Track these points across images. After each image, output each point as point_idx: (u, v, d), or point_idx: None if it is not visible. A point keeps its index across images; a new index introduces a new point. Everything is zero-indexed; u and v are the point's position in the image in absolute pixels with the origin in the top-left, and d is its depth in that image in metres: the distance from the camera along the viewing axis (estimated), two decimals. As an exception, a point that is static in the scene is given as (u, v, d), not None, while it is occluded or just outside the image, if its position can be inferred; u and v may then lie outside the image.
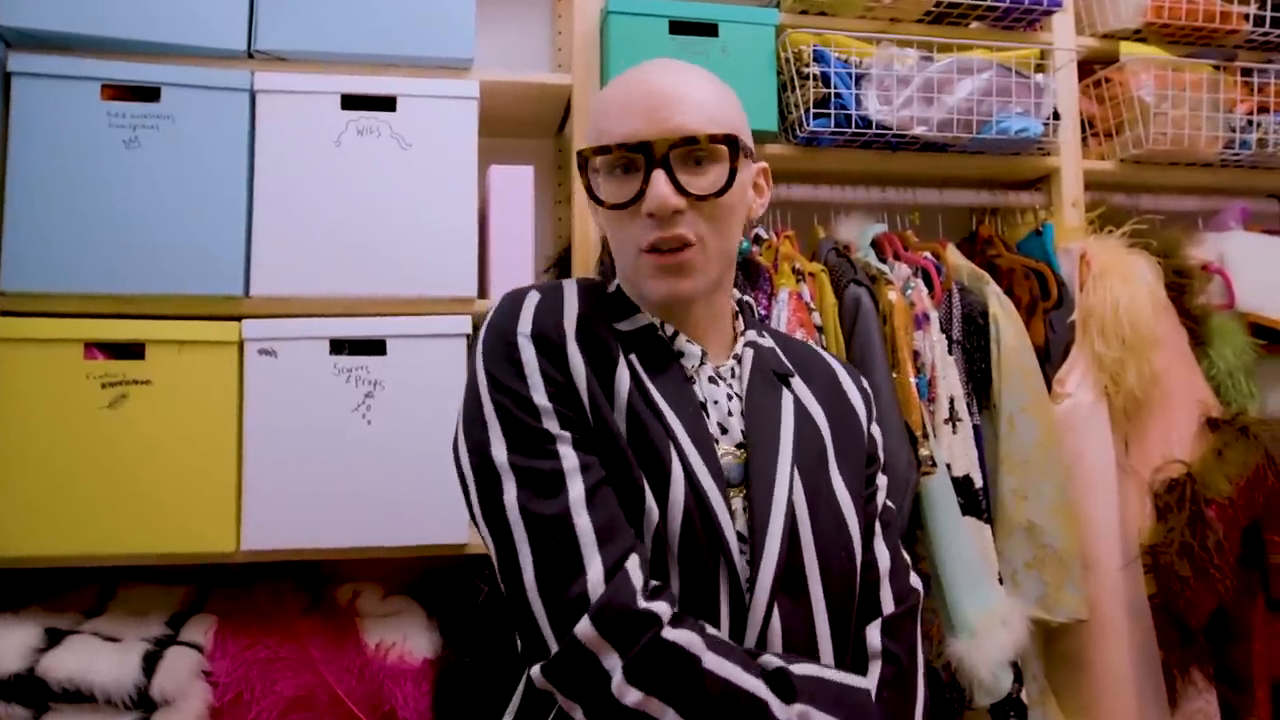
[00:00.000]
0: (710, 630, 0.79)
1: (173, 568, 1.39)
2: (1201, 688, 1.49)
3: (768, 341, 0.98)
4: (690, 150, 0.85)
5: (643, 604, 0.76)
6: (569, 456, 0.81)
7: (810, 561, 0.86)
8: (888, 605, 0.92)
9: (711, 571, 0.83)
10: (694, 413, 0.87)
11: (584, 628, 0.75)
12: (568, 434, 0.82)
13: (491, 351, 0.85)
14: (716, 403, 0.89)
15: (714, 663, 0.76)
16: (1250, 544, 1.54)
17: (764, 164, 0.96)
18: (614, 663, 0.75)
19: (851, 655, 0.89)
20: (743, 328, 0.97)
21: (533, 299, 0.88)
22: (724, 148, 0.86)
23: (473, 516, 0.84)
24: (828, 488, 0.90)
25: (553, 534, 0.78)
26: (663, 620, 0.76)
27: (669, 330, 0.91)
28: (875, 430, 1.00)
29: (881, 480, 1.00)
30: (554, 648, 0.76)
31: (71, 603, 1.34)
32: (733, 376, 0.93)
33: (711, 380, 0.91)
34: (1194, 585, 1.44)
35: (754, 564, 0.83)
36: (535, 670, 0.77)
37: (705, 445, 0.85)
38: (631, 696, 0.74)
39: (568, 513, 0.79)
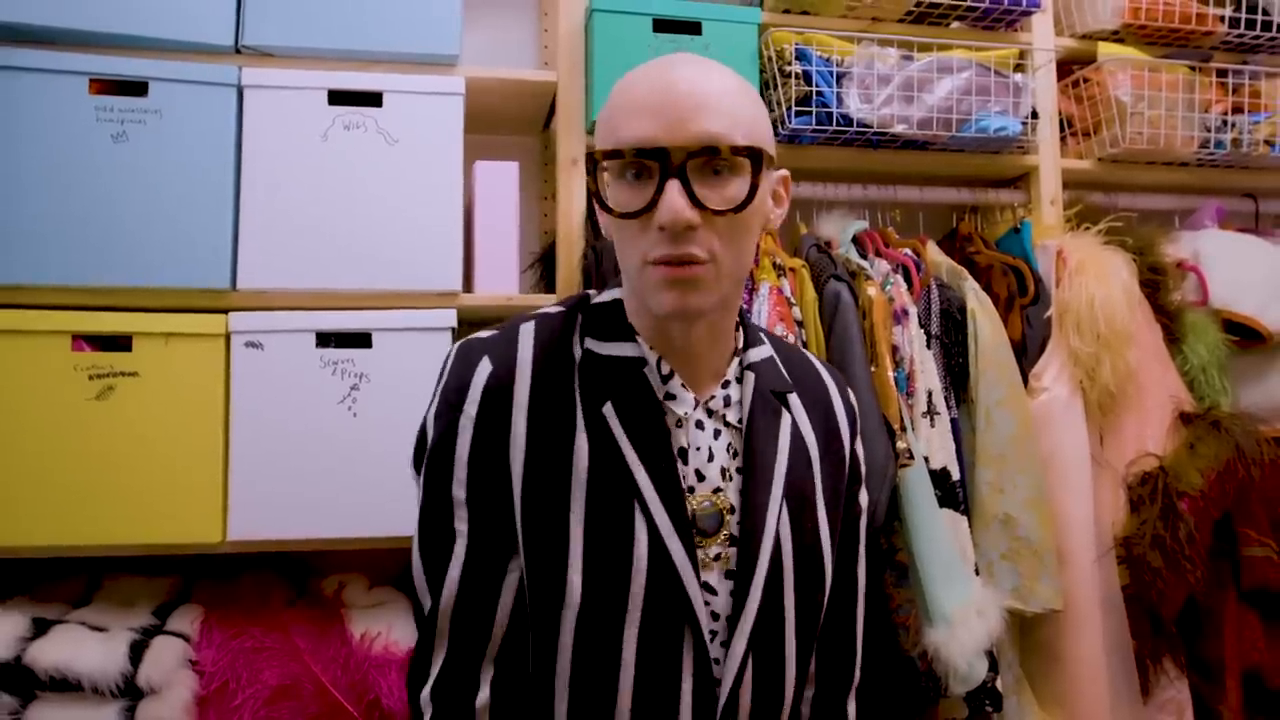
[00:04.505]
0: None
1: (158, 560, 1.40)
2: (1173, 677, 1.52)
3: (766, 351, 0.93)
4: (709, 160, 0.77)
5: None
6: (458, 554, 0.82)
7: (789, 604, 0.85)
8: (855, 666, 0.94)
9: (676, 632, 0.81)
10: (667, 466, 0.82)
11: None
12: (464, 530, 0.82)
13: (436, 420, 0.85)
14: (698, 449, 0.85)
15: None
16: (1221, 536, 1.56)
17: (785, 172, 0.88)
18: None
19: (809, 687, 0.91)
20: (742, 344, 0.91)
21: (483, 372, 0.83)
22: (746, 160, 0.78)
23: None
24: (811, 519, 0.89)
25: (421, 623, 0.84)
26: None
27: (664, 369, 0.86)
28: (859, 446, 0.97)
29: (864, 498, 0.98)
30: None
31: (58, 593, 1.35)
32: (725, 406, 0.88)
33: (699, 425, 0.86)
34: (1166, 576, 1.46)
35: (733, 619, 0.82)
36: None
37: (673, 499, 0.81)
38: None
39: (435, 607, 0.82)
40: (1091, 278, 1.55)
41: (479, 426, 0.82)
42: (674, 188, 0.76)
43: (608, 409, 0.83)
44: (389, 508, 1.36)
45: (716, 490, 0.85)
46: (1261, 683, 1.54)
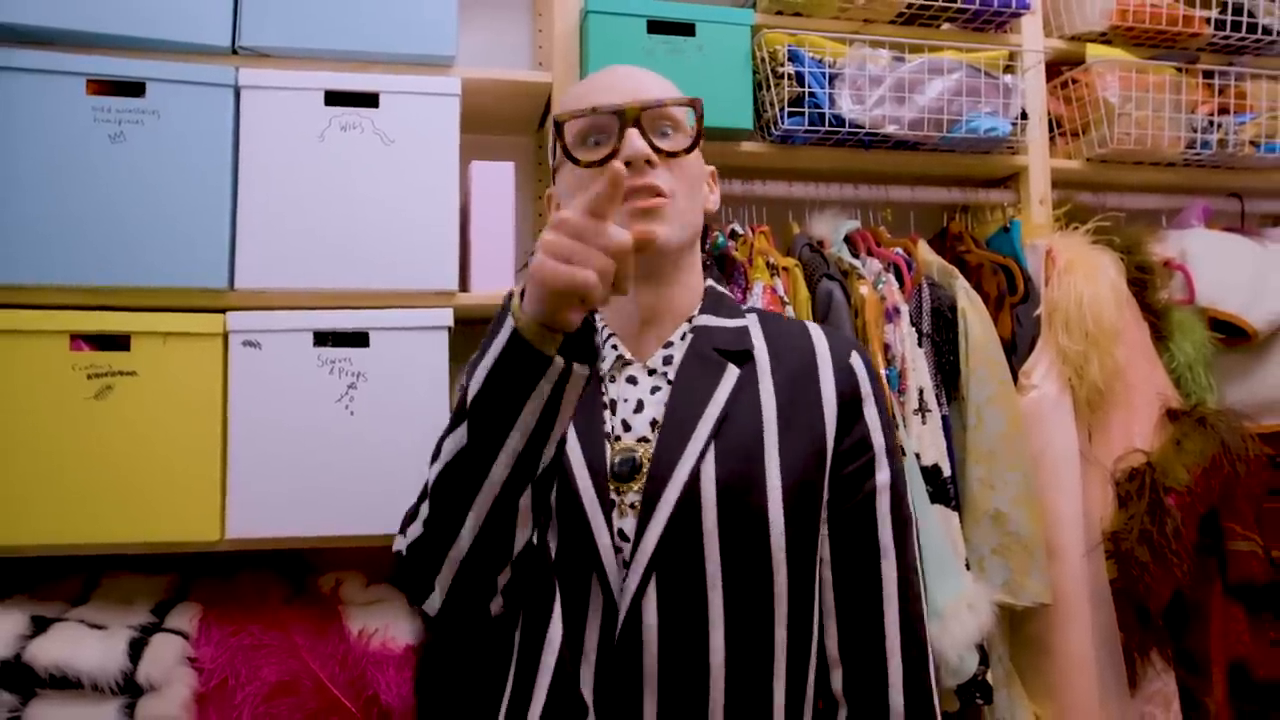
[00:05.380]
0: None
1: (155, 559, 1.41)
2: (1160, 669, 1.54)
3: (735, 322, 0.98)
4: (658, 115, 0.93)
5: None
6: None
7: (710, 554, 0.87)
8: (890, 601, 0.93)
9: (584, 567, 0.88)
10: (590, 416, 0.92)
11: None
12: None
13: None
14: (625, 400, 0.94)
15: None
16: (1207, 531, 1.59)
17: (713, 168, 1.05)
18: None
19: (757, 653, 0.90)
20: (697, 311, 0.99)
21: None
22: (686, 114, 0.95)
23: None
24: (754, 477, 0.89)
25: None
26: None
27: (606, 332, 0.98)
28: (870, 412, 0.97)
29: (881, 477, 0.95)
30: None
31: (57, 592, 1.35)
32: (665, 365, 0.96)
33: (630, 380, 0.95)
34: (1153, 571, 1.48)
35: (630, 559, 0.87)
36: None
37: (593, 444, 0.91)
38: None
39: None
40: (1080, 277, 1.57)
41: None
42: (633, 132, 0.90)
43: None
44: (386, 505, 1.35)
45: (642, 440, 0.92)
46: (1246, 674, 1.57)
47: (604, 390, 0.95)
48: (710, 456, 0.89)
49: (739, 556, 0.88)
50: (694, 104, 0.92)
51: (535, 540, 0.88)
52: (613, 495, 0.90)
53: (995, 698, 1.41)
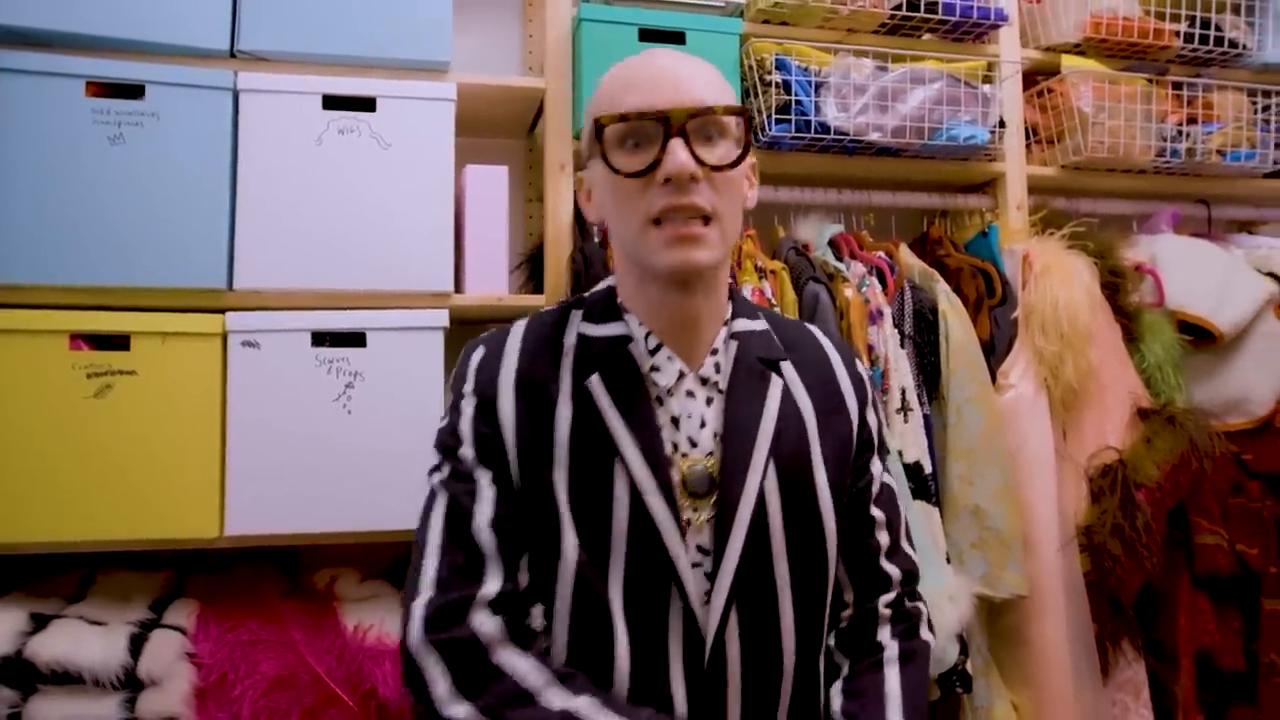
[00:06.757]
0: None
1: (151, 555, 1.42)
2: (1131, 659, 1.58)
3: (760, 325, 0.98)
4: (705, 122, 0.86)
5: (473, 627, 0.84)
6: (485, 496, 0.89)
7: (780, 564, 0.90)
8: (894, 574, 0.99)
9: (661, 588, 0.86)
10: (651, 433, 0.88)
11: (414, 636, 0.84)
12: (485, 479, 0.89)
13: (450, 402, 0.95)
14: (689, 416, 0.91)
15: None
16: (1176, 525, 1.63)
17: (754, 160, 0.97)
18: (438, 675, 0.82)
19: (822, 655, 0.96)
20: (730, 315, 0.97)
21: (476, 356, 0.95)
22: (734, 122, 0.88)
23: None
24: (807, 483, 0.92)
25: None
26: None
27: (652, 343, 0.92)
28: (871, 415, 1.01)
29: (876, 466, 1.01)
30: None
31: (53, 588, 1.36)
32: (716, 374, 0.93)
33: (690, 394, 0.92)
34: (1125, 563, 1.52)
35: (713, 575, 0.87)
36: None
37: (658, 463, 0.87)
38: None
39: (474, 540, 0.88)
40: (1056, 280, 1.61)
41: (478, 401, 0.92)
42: (678, 144, 0.84)
43: (593, 380, 0.90)
44: (382, 502, 1.39)
45: (710, 454, 0.90)
46: (1212, 663, 1.61)
47: (660, 403, 0.91)
48: (772, 468, 0.90)
49: (802, 561, 0.91)
50: (743, 112, 0.88)
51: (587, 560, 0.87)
52: (687, 514, 0.88)
53: (974, 686, 1.45)
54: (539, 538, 0.88)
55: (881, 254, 1.66)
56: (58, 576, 1.40)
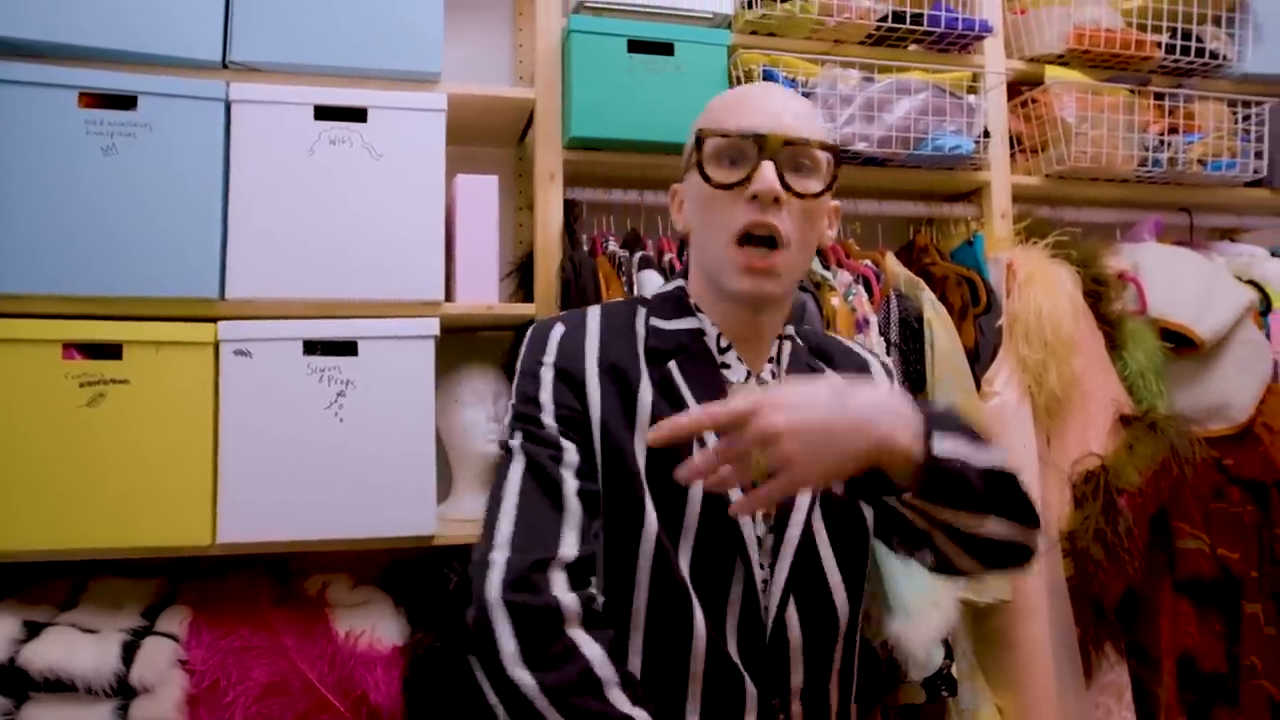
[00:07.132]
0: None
1: (142, 563, 1.43)
2: (1114, 662, 1.60)
3: (809, 340, 1.08)
4: (797, 152, 0.94)
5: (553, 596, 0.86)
6: (569, 462, 0.92)
7: (823, 544, 0.96)
8: None
9: (727, 561, 0.92)
10: None
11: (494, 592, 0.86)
12: (571, 445, 0.93)
13: (522, 370, 0.98)
14: None
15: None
16: (1158, 530, 1.65)
17: (838, 204, 1.05)
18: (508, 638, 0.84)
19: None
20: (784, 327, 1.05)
21: (557, 333, 0.99)
22: (825, 158, 0.96)
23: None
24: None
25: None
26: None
27: (723, 342, 1.00)
28: None
29: None
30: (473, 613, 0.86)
31: (44, 595, 1.37)
32: (773, 378, 1.01)
33: None
34: (1107, 568, 1.54)
35: (775, 549, 0.93)
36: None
37: None
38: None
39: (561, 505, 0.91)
40: (1039, 289, 1.63)
41: (558, 372, 0.97)
42: (769, 166, 0.92)
43: (672, 365, 0.97)
44: (374, 510, 1.40)
45: None
46: (1194, 665, 1.62)
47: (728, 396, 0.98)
48: None
49: (843, 535, 0.98)
50: (832, 149, 0.95)
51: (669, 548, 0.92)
52: None
53: (960, 690, 1.47)
54: (620, 511, 0.93)
55: (868, 262, 1.68)
56: (50, 584, 1.40)
